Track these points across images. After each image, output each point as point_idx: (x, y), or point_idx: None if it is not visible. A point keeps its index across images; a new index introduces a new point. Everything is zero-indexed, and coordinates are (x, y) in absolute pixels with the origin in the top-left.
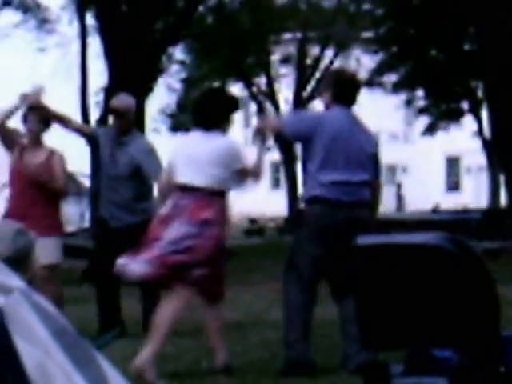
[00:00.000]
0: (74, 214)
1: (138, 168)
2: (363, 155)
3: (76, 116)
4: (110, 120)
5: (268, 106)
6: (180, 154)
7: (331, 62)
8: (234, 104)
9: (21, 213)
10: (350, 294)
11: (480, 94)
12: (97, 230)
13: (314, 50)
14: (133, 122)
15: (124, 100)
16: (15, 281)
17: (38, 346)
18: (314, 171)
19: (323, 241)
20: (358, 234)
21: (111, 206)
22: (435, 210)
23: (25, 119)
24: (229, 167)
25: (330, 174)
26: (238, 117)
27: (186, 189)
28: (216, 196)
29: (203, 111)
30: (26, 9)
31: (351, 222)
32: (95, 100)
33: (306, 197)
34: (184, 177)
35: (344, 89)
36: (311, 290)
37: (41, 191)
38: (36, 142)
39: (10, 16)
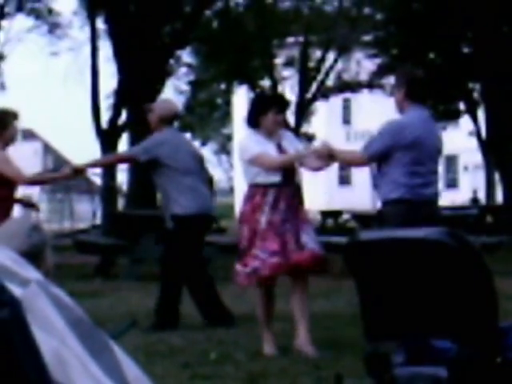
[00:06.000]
0: (87, 212)
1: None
2: (436, 152)
3: (88, 118)
4: (121, 121)
5: None
6: None
7: (333, 65)
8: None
9: None
10: None
11: (476, 95)
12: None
13: (317, 53)
14: (156, 122)
15: (160, 101)
16: (32, 273)
17: (54, 335)
18: (397, 176)
19: None
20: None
21: None
22: (475, 200)
23: None
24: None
25: (415, 177)
26: (242, 118)
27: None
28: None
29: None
30: (37, 14)
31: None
32: (107, 102)
33: (387, 198)
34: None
35: (417, 86)
36: None
37: None
38: None
39: (23, 21)
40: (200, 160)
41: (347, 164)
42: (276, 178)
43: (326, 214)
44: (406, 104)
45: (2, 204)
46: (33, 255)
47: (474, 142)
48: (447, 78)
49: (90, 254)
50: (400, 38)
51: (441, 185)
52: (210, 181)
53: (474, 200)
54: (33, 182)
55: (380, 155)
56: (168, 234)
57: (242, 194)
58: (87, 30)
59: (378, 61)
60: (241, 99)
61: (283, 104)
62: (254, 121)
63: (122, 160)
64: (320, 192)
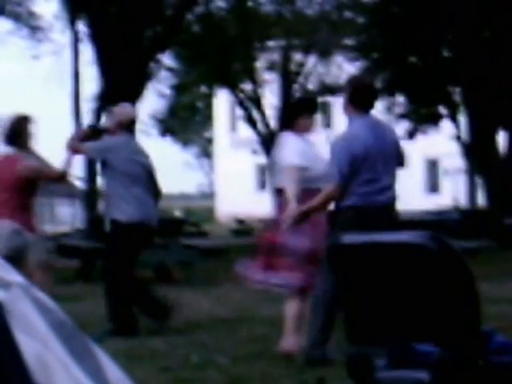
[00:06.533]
0: (68, 215)
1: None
2: (392, 156)
3: (69, 121)
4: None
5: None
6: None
7: (314, 68)
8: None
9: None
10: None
11: (457, 98)
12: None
13: (298, 57)
14: (114, 126)
15: (120, 106)
16: (15, 276)
17: (37, 338)
18: (352, 185)
19: None
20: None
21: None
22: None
23: None
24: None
25: (369, 185)
26: (224, 121)
27: None
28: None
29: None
30: (18, 17)
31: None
32: (88, 106)
33: (340, 205)
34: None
35: (360, 93)
36: None
37: None
38: None
39: (4, 24)
40: (150, 171)
41: (326, 205)
42: (322, 185)
43: None
44: (350, 109)
45: (25, 213)
46: (14, 258)
47: (455, 146)
48: (428, 82)
49: (72, 258)
50: (381, 42)
51: (422, 189)
52: (157, 194)
53: (455, 208)
54: (66, 171)
55: (349, 174)
56: (108, 238)
57: (223, 198)
58: (68, 34)
59: (359, 64)
60: (222, 103)
61: (314, 107)
62: (288, 124)
63: (79, 151)
64: None
